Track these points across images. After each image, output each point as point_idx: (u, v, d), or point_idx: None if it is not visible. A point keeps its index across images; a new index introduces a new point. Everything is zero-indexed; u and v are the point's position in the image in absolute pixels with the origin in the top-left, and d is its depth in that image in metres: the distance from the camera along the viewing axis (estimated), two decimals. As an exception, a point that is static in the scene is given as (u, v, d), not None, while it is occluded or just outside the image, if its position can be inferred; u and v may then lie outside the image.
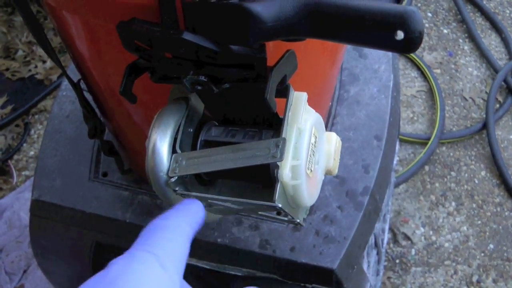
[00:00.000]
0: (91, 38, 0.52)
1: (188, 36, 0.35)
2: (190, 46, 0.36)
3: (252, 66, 0.37)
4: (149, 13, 0.39)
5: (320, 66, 0.66)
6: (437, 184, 1.62)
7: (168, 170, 0.45)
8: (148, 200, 0.81)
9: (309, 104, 0.69)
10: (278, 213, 0.48)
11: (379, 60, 0.94)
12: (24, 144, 1.65)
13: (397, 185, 1.58)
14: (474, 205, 1.60)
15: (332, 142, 0.51)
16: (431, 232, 1.55)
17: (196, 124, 0.48)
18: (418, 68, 1.83)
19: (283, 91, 0.43)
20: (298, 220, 0.49)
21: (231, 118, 0.48)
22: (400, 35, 0.29)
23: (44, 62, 1.73)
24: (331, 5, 0.31)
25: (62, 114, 0.88)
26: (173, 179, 0.45)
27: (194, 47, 0.36)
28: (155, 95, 0.53)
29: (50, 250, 1.01)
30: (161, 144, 0.45)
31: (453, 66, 1.88)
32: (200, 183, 0.50)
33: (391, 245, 1.53)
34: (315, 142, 0.46)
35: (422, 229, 1.55)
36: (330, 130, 0.87)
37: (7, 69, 1.73)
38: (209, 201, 0.47)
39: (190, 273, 0.96)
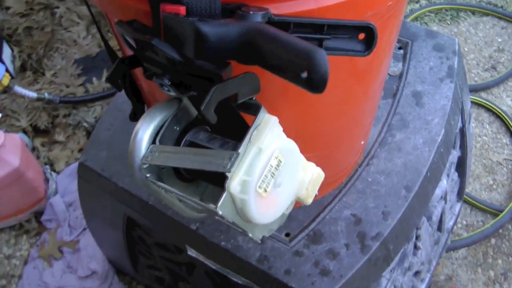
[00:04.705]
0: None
1: (156, 42, 0.40)
2: (161, 52, 0.41)
3: (212, 80, 0.41)
4: (147, 17, 0.45)
5: (351, 95, 0.66)
6: (499, 261, 1.50)
7: (143, 157, 0.50)
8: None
9: (331, 133, 0.70)
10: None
11: (434, 112, 0.92)
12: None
13: (454, 248, 1.50)
14: (537, 294, 1.46)
15: (308, 172, 0.53)
16: (479, 308, 1.45)
17: (184, 124, 0.53)
18: (513, 136, 1.72)
19: (252, 109, 0.46)
20: (250, 235, 0.51)
21: (218, 127, 0.52)
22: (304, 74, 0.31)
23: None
24: (268, 33, 0.34)
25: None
26: (145, 166, 0.50)
27: (164, 53, 0.41)
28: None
29: (94, 213, 1.12)
30: (143, 133, 0.50)
31: (556, 142, 1.73)
32: (180, 178, 0.55)
33: (433, 308, 1.45)
34: (277, 165, 0.48)
35: (471, 302, 1.46)
36: (363, 170, 0.88)
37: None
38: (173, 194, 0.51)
39: (204, 271, 1.01)
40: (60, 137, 1.75)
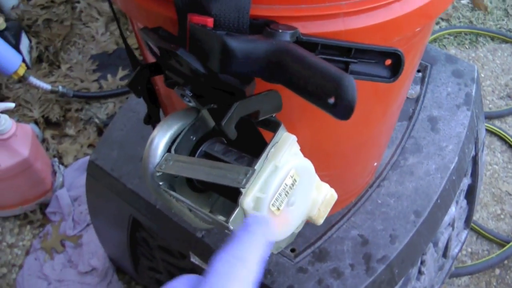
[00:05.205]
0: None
1: (181, 52, 0.40)
2: (185, 62, 0.41)
3: (234, 94, 0.41)
4: (173, 25, 0.45)
5: (370, 115, 0.66)
6: (502, 292, 1.48)
7: (157, 165, 0.50)
8: (180, 195, 0.87)
9: (346, 152, 0.70)
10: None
11: (449, 139, 0.91)
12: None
13: (458, 275, 1.48)
14: (537, 329, 1.44)
15: (321, 192, 0.52)
16: (478, 338, 1.43)
17: (201, 134, 0.53)
18: (526, 166, 1.70)
19: (272, 126, 0.46)
20: (259, 251, 0.51)
21: (235, 141, 0.52)
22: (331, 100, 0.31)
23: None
24: (297, 54, 0.34)
25: (142, 97, 0.98)
26: (158, 174, 0.50)
27: (189, 64, 0.41)
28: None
29: (100, 210, 1.12)
30: (159, 140, 0.50)
31: None
32: (192, 188, 0.55)
33: (430, 334, 1.43)
34: (292, 184, 0.48)
35: (470, 331, 1.44)
36: (374, 191, 0.87)
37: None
38: (183, 205, 0.51)
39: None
40: (70, 131, 1.75)
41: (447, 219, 1.00)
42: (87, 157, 1.61)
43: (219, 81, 0.40)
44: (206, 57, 0.39)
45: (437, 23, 2.13)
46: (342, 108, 0.31)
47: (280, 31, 0.37)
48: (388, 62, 0.41)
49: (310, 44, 0.38)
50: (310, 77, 0.32)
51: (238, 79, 0.40)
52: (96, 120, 1.78)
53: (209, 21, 0.40)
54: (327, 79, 0.31)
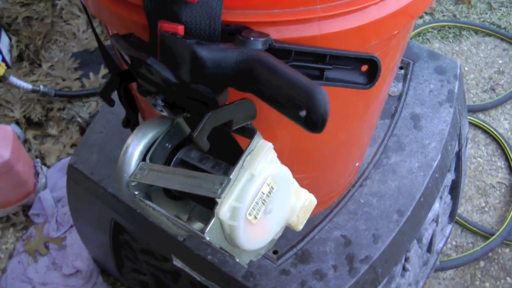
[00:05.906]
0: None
1: (152, 61, 0.38)
2: (156, 71, 0.39)
3: (207, 103, 0.39)
4: (145, 32, 0.43)
5: (349, 113, 0.65)
6: (487, 284, 1.49)
7: (132, 174, 0.49)
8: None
9: (327, 153, 0.69)
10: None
11: (432, 136, 0.91)
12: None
13: (443, 269, 1.49)
14: (522, 320, 1.46)
15: (300, 198, 0.52)
16: (464, 331, 1.44)
17: (176, 141, 0.51)
18: (507, 159, 1.71)
19: (247, 133, 0.45)
20: (237, 260, 0.50)
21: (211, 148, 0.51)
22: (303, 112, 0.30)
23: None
24: (268, 64, 0.33)
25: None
26: (133, 183, 0.48)
27: (159, 73, 0.39)
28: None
29: (81, 213, 1.10)
30: (133, 149, 0.49)
31: (551, 168, 1.72)
32: (169, 196, 0.53)
33: (416, 328, 1.44)
34: (269, 192, 0.47)
35: (456, 324, 1.45)
36: (356, 190, 0.86)
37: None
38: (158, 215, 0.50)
39: (189, 281, 0.99)
40: (53, 131, 1.73)
41: (431, 215, 1.00)
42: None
43: (191, 90, 0.39)
44: (176, 66, 0.38)
45: (421, 17, 2.13)
46: (314, 122, 0.30)
47: (252, 39, 0.36)
48: (364, 68, 0.40)
49: (284, 52, 0.37)
50: (281, 88, 0.31)
51: (210, 88, 0.39)
52: (79, 119, 1.75)
53: (180, 29, 0.38)
54: (298, 90, 0.30)
